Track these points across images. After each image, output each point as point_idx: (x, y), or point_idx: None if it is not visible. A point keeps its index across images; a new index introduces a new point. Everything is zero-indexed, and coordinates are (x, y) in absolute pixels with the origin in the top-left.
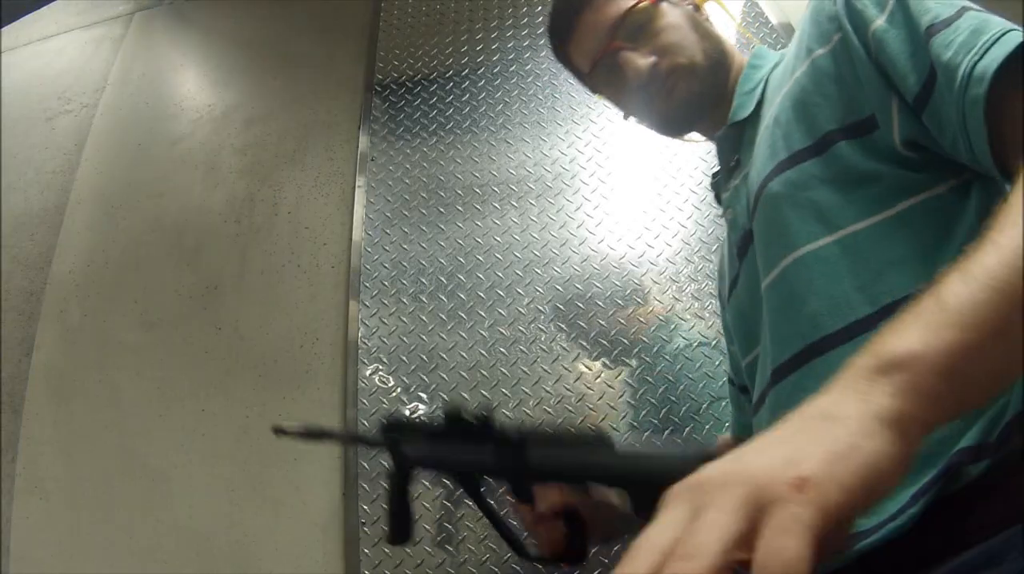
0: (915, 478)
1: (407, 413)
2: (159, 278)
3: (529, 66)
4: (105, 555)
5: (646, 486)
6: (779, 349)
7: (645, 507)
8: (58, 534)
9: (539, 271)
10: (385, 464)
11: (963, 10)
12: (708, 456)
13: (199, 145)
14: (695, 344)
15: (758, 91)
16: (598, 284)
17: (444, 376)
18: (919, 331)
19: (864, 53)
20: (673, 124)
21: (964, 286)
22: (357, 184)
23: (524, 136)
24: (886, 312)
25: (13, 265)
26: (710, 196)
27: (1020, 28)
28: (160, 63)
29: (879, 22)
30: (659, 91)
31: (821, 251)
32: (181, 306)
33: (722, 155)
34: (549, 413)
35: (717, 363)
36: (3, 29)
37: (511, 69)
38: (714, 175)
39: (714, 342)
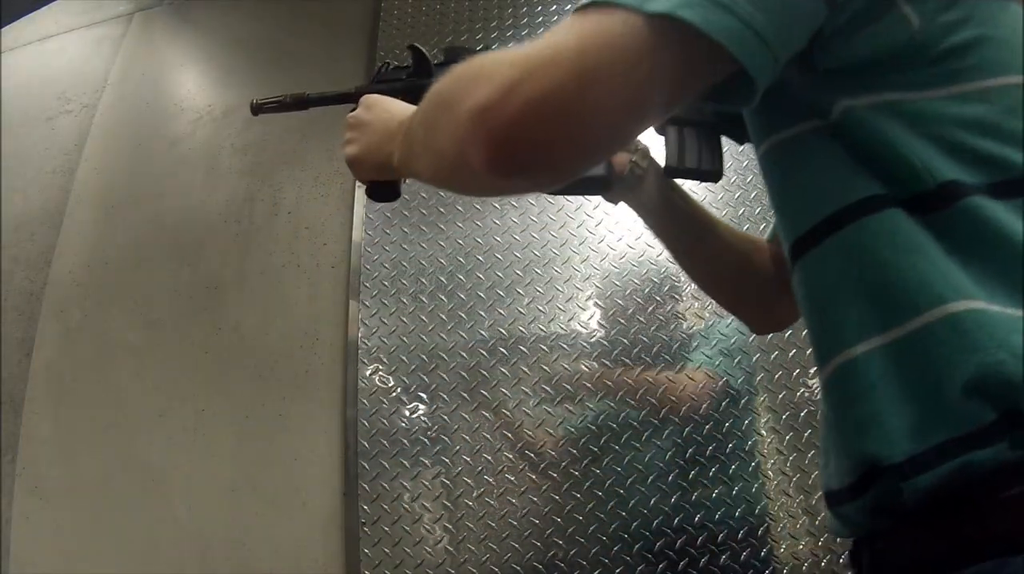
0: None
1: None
2: (159, 278)
3: None
4: (105, 555)
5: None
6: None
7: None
8: (58, 534)
9: (539, 271)
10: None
11: None
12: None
13: (199, 145)
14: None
15: None
16: (598, 284)
17: (444, 376)
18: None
19: None
20: None
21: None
22: (357, 184)
23: None
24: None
25: (13, 265)
26: (711, 195)
27: None
28: (160, 63)
29: None
30: None
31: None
32: (181, 306)
33: None
34: (550, 414)
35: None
36: (3, 29)
37: None
38: None
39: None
